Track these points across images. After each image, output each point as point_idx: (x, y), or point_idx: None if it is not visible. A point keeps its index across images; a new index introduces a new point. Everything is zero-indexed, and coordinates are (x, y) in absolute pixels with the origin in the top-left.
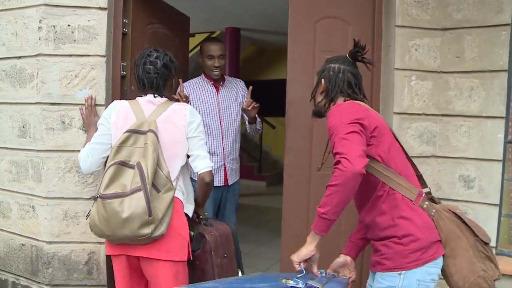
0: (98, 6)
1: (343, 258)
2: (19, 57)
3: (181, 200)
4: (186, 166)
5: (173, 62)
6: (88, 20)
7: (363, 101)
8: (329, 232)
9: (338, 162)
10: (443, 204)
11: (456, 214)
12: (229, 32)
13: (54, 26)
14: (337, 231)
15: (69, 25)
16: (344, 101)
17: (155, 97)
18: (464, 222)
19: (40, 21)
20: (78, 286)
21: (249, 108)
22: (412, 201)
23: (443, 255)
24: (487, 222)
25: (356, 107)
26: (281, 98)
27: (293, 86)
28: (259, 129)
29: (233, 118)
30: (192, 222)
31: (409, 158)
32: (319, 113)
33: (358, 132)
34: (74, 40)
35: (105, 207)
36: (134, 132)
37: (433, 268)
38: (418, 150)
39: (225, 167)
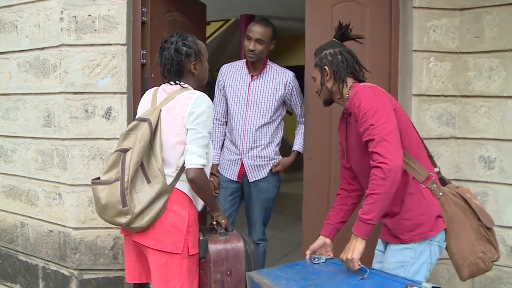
0: None
1: (322, 240)
2: (42, 48)
3: (184, 192)
4: None
5: (187, 46)
6: (108, 10)
7: (362, 78)
8: None
9: (378, 167)
10: (453, 186)
11: (463, 198)
12: (244, 19)
13: (75, 17)
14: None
15: (89, 15)
16: (354, 81)
17: (171, 84)
18: (470, 206)
19: (62, 12)
20: (105, 271)
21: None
22: (420, 182)
23: (445, 230)
24: (508, 202)
25: (381, 94)
26: None
27: (311, 70)
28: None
29: (261, 113)
30: (211, 228)
31: (420, 138)
32: (330, 100)
33: (395, 131)
34: (95, 30)
35: (93, 192)
36: (140, 120)
37: (435, 244)
38: (437, 131)
39: (242, 162)
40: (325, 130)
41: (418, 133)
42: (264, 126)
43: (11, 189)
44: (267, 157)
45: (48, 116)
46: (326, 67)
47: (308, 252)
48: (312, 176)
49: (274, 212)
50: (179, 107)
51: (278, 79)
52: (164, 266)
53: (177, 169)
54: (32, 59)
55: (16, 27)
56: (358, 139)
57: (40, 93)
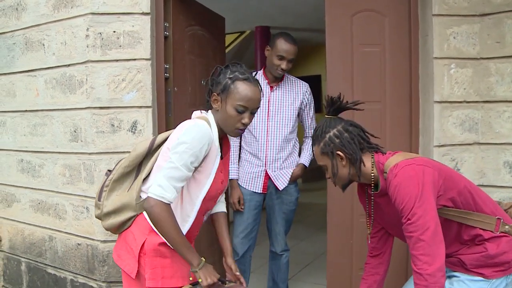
0: (141, 11)
1: None
2: (68, 65)
3: (146, 219)
4: (180, 202)
5: (215, 75)
6: (133, 26)
7: (378, 147)
8: None
9: (418, 274)
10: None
11: None
12: (259, 31)
13: (100, 33)
14: None
15: (114, 31)
16: (371, 155)
17: (201, 111)
18: None
19: (87, 29)
20: None
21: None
22: (492, 231)
23: None
24: None
25: (421, 175)
26: (313, 95)
27: (332, 80)
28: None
29: (283, 123)
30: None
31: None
32: (349, 184)
33: (434, 225)
34: (120, 46)
35: None
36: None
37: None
38: (460, 138)
39: (266, 173)
40: None
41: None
42: (288, 136)
43: (39, 203)
44: (290, 168)
45: (75, 131)
46: (339, 152)
47: None
48: None
49: (294, 222)
50: (175, 132)
51: (296, 89)
52: (125, 282)
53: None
54: (58, 76)
55: (43, 45)
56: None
57: (67, 109)
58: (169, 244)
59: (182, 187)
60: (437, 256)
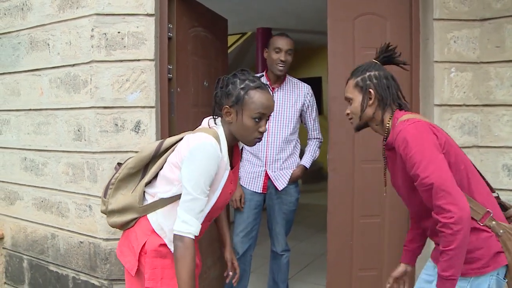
0: (146, 12)
1: (403, 267)
2: (73, 65)
3: (149, 222)
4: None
5: (233, 84)
6: (137, 27)
7: (407, 106)
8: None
9: (444, 223)
10: None
11: None
12: (261, 32)
13: (105, 34)
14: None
15: (119, 32)
16: (398, 108)
17: (211, 119)
18: None
19: (92, 29)
20: None
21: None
22: (477, 221)
23: (506, 266)
24: None
25: (427, 132)
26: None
27: (335, 83)
28: (315, 156)
29: (284, 124)
30: None
31: (476, 169)
32: (364, 126)
33: (449, 175)
34: (124, 46)
35: None
36: (164, 138)
37: (494, 277)
38: (459, 141)
39: (266, 173)
40: (348, 141)
41: (473, 164)
42: (288, 137)
43: (42, 201)
44: (289, 168)
45: (78, 130)
46: (371, 90)
47: (390, 281)
48: (336, 186)
49: (294, 223)
50: (184, 144)
51: (298, 90)
52: (127, 278)
53: (153, 197)
54: (63, 75)
55: (48, 45)
56: (405, 178)
57: (71, 108)
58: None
59: None
60: (462, 205)
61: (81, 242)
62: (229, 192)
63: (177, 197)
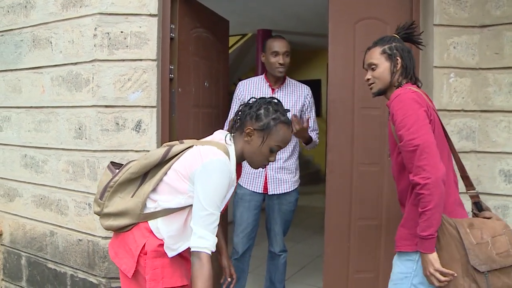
0: (148, 13)
1: None
2: (75, 63)
3: (150, 228)
4: (185, 222)
5: (266, 110)
6: (140, 27)
7: (420, 85)
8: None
9: (422, 184)
10: (485, 214)
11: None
12: (261, 34)
13: (108, 33)
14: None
15: (122, 32)
16: (411, 82)
17: (228, 134)
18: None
19: (95, 29)
20: None
21: (297, 128)
22: None
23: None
24: None
25: (420, 103)
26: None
27: (334, 86)
28: (316, 142)
29: None
30: None
31: (458, 159)
32: (383, 92)
33: (434, 141)
34: (127, 46)
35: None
36: (170, 144)
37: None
38: (457, 145)
39: (266, 174)
40: (347, 144)
41: (456, 152)
42: None
43: (41, 198)
44: (289, 170)
45: (79, 129)
46: (398, 58)
47: None
48: (334, 189)
49: (292, 224)
50: (195, 157)
51: (298, 91)
52: (122, 279)
53: (156, 208)
54: (65, 74)
55: (51, 43)
56: (392, 137)
57: (72, 106)
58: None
59: (189, 211)
60: (439, 168)
61: (79, 240)
62: (227, 202)
63: (180, 209)
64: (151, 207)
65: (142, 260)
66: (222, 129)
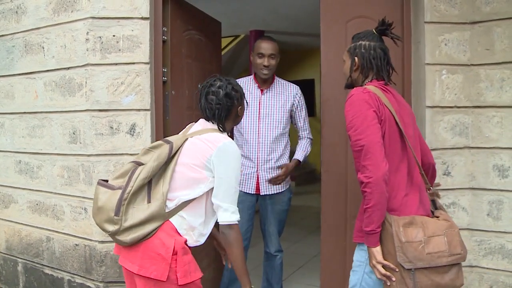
0: (140, 16)
1: None
2: (68, 68)
3: (174, 225)
4: (206, 206)
5: (237, 91)
6: (132, 30)
7: (387, 82)
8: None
9: (364, 183)
10: (438, 213)
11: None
12: (253, 35)
13: (100, 37)
14: None
15: (114, 36)
16: (372, 79)
17: (212, 123)
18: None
19: (87, 33)
20: None
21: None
22: None
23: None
24: None
25: (370, 98)
26: (306, 99)
27: (327, 85)
28: (307, 152)
29: (274, 125)
30: None
31: (417, 153)
32: (351, 86)
33: (379, 142)
34: (119, 49)
35: (95, 191)
36: (165, 141)
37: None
38: (451, 142)
39: (258, 175)
40: (341, 143)
41: (419, 151)
42: (278, 138)
43: (37, 204)
44: (280, 170)
45: (73, 133)
46: (356, 58)
47: None
48: (329, 188)
49: (287, 224)
50: (205, 146)
51: (287, 91)
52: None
53: (176, 205)
54: (58, 79)
55: (43, 48)
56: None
57: (66, 111)
58: (236, 269)
59: (205, 194)
60: (380, 169)
61: (76, 245)
62: None
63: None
64: (171, 206)
65: (173, 263)
66: None
